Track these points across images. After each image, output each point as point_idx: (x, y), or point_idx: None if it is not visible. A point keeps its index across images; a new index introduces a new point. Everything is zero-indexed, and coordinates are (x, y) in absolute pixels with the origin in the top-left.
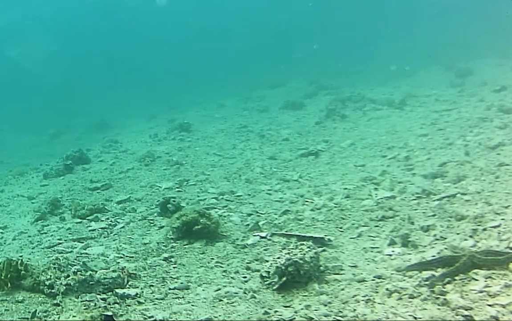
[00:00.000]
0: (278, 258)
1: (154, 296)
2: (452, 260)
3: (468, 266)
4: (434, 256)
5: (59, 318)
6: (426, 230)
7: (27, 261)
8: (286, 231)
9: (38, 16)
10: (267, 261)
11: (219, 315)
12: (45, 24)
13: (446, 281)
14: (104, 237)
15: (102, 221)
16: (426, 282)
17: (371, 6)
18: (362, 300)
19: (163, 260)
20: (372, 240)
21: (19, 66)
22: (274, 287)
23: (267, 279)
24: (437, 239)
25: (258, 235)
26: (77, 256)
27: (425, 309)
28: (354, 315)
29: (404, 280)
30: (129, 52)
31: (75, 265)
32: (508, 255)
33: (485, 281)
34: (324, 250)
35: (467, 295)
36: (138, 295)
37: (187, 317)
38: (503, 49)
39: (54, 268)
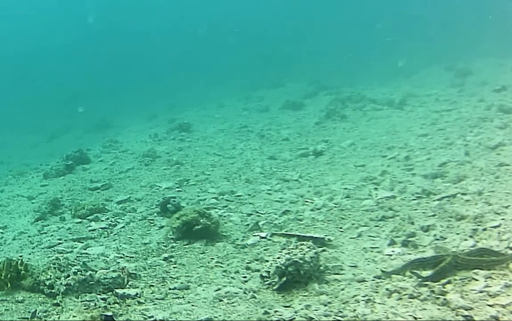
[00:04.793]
0: (278, 258)
1: (154, 296)
2: (436, 261)
3: (452, 267)
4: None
5: (59, 318)
6: (426, 230)
7: (27, 261)
8: (286, 231)
9: (37, 13)
10: (267, 261)
11: (219, 315)
12: (45, 22)
13: (433, 281)
14: (104, 237)
15: (102, 221)
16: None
17: (373, 5)
18: (362, 300)
19: (163, 260)
20: (372, 240)
21: (19, 66)
22: (274, 287)
23: (267, 279)
24: (437, 239)
25: (258, 235)
26: (77, 256)
27: (425, 309)
28: (354, 315)
29: (404, 280)
30: (129, 51)
31: (75, 265)
32: (495, 257)
33: (485, 281)
34: (324, 250)
35: (467, 295)
36: (138, 295)
37: (187, 317)
38: (503, 49)
39: (54, 268)
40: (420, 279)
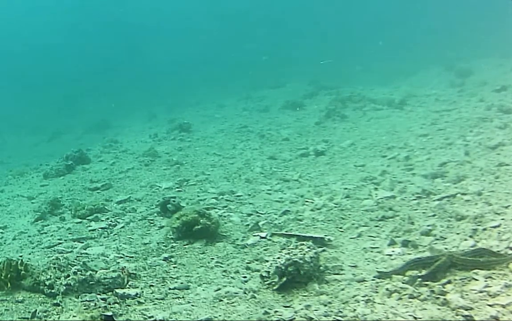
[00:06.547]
0: (278, 258)
1: (154, 296)
2: (433, 261)
3: (448, 266)
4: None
5: (59, 318)
6: (426, 230)
7: (27, 261)
8: (286, 231)
9: (37, 12)
10: (267, 261)
11: (219, 315)
12: (44, 20)
13: (428, 281)
14: (104, 237)
15: (102, 221)
16: (408, 283)
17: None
18: (362, 300)
19: (163, 260)
20: (372, 240)
21: (19, 65)
22: (274, 287)
23: (267, 279)
24: (437, 239)
25: (258, 235)
26: (77, 256)
27: (425, 309)
28: (354, 315)
29: (404, 280)
30: (130, 51)
31: (75, 265)
32: (493, 257)
33: (485, 281)
34: (324, 250)
35: (467, 295)
36: (138, 295)
37: (187, 317)
38: (503, 49)
39: (54, 268)
40: (420, 279)
